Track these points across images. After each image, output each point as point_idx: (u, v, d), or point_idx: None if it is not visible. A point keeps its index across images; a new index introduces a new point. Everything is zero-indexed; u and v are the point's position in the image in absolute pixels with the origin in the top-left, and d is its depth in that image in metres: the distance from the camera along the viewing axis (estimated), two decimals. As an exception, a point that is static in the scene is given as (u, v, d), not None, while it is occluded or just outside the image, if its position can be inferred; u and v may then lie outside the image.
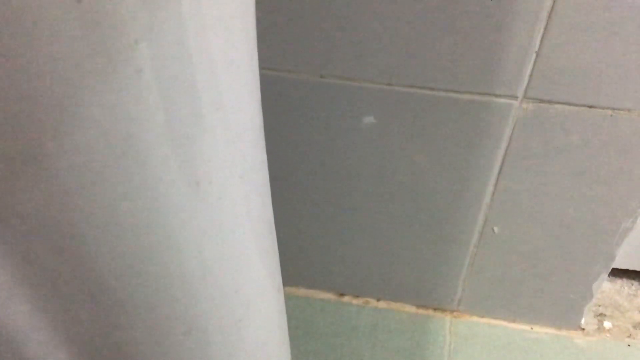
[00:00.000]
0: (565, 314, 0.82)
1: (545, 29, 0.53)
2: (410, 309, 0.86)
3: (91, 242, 0.24)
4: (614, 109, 0.57)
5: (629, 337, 0.83)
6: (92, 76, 0.19)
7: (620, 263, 0.87)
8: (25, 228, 0.23)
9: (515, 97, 0.58)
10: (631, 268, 0.88)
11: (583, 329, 0.84)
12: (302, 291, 0.88)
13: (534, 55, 0.55)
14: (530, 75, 0.56)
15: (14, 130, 0.20)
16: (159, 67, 0.21)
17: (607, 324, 0.84)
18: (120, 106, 0.21)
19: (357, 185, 0.71)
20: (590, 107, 0.58)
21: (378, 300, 0.87)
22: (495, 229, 0.72)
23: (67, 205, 0.23)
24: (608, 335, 0.83)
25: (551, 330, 0.84)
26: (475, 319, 0.85)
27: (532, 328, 0.84)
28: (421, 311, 0.86)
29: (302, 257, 0.83)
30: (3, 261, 0.24)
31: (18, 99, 0.19)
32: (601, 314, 0.86)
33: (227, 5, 0.24)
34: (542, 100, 0.58)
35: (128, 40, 0.19)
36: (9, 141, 0.20)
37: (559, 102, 0.58)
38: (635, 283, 0.90)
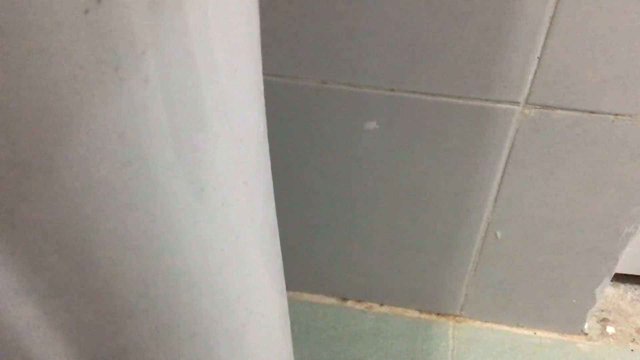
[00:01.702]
0: (568, 319, 0.82)
1: (547, 34, 0.53)
2: (413, 314, 0.86)
3: (97, 248, 0.25)
4: (616, 114, 0.57)
5: (632, 342, 0.83)
6: (99, 85, 0.20)
7: (623, 268, 0.87)
8: (31, 234, 0.23)
9: (517, 103, 0.58)
10: (634, 273, 0.88)
11: (586, 334, 0.84)
12: (305, 296, 0.88)
13: (536, 60, 0.55)
14: (532, 81, 0.57)
15: (22, 137, 0.20)
16: (165, 76, 0.21)
17: (610, 329, 0.84)
18: (126, 115, 0.21)
19: (360, 190, 0.71)
20: (592, 112, 0.58)
21: (381, 305, 0.87)
22: (498, 234, 0.72)
23: (74, 212, 0.23)
24: (611, 340, 0.83)
25: (554, 335, 0.83)
26: (478, 324, 0.85)
27: (535, 333, 0.84)
28: (424, 316, 0.86)
29: (306, 262, 0.83)
30: (9, 266, 0.24)
31: (26, 107, 0.19)
32: (604, 319, 0.86)
33: (232, 14, 0.24)
34: (544, 106, 0.58)
35: (135, 50, 0.20)
36: (16, 148, 0.20)
37: (561, 108, 0.58)
38: (639, 288, 0.90)
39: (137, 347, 0.30)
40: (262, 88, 0.30)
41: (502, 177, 0.66)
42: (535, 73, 0.56)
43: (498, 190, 0.67)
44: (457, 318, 0.85)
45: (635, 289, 0.90)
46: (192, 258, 0.28)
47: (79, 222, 0.24)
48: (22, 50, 0.18)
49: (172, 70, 0.22)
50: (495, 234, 0.72)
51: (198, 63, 0.23)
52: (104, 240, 0.25)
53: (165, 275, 0.28)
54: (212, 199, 0.27)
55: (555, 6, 0.51)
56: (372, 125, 0.64)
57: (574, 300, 0.79)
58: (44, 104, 0.20)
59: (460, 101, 0.59)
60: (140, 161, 0.23)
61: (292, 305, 0.85)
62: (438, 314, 0.86)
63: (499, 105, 0.59)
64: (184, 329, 0.30)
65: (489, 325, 0.85)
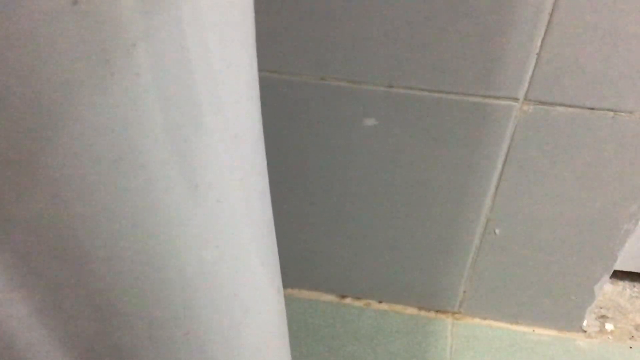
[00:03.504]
0: (567, 316, 0.82)
1: (546, 30, 0.53)
2: (412, 311, 0.86)
3: (90, 245, 0.24)
4: (615, 110, 0.57)
5: (630, 339, 0.83)
6: (90, 80, 0.19)
7: (622, 265, 0.87)
8: (24, 232, 0.23)
9: (517, 99, 0.58)
10: (633, 270, 0.88)
11: (585, 331, 0.83)
12: (303, 293, 0.88)
13: (535, 57, 0.55)
14: (531, 77, 0.56)
15: (12, 134, 0.20)
16: (157, 71, 0.21)
17: (609, 326, 0.84)
18: (118, 110, 0.21)
19: (358, 187, 0.71)
20: (591, 109, 0.57)
21: (379, 302, 0.87)
22: (497, 230, 0.72)
23: (66, 210, 0.23)
24: (610, 337, 0.83)
25: (553, 333, 0.83)
26: (477, 321, 0.85)
27: (534, 330, 0.84)
28: (423, 313, 0.86)
29: (304, 259, 0.83)
30: (1, 264, 0.24)
31: (16, 103, 0.19)
32: (603, 316, 0.86)
33: (226, 8, 0.24)
34: (543, 102, 0.58)
35: (125, 43, 0.19)
36: (7, 146, 0.20)
37: (560, 104, 0.58)
38: (637, 285, 0.90)
39: (131, 345, 0.29)
40: (257, 84, 0.30)
41: (500, 173, 0.65)
42: (534, 69, 0.56)
43: (497, 187, 0.67)
44: (455, 315, 0.85)
45: (634, 286, 0.90)
46: (187, 255, 0.28)
47: (71, 221, 0.23)
48: (10, 45, 0.18)
49: (165, 64, 0.21)
50: (494, 231, 0.72)
51: (191, 57, 0.22)
52: (96, 237, 0.24)
53: (160, 272, 0.27)
54: (207, 196, 0.27)
55: (554, 2, 0.51)
56: (370, 121, 0.63)
57: (573, 298, 0.79)
58: (33, 100, 0.19)
59: (459, 97, 0.59)
60: (133, 157, 0.23)
61: (291, 302, 0.85)
62: (437, 311, 0.86)
63: (497, 102, 0.59)
64: (178, 327, 0.30)
65: (487, 322, 0.85)
